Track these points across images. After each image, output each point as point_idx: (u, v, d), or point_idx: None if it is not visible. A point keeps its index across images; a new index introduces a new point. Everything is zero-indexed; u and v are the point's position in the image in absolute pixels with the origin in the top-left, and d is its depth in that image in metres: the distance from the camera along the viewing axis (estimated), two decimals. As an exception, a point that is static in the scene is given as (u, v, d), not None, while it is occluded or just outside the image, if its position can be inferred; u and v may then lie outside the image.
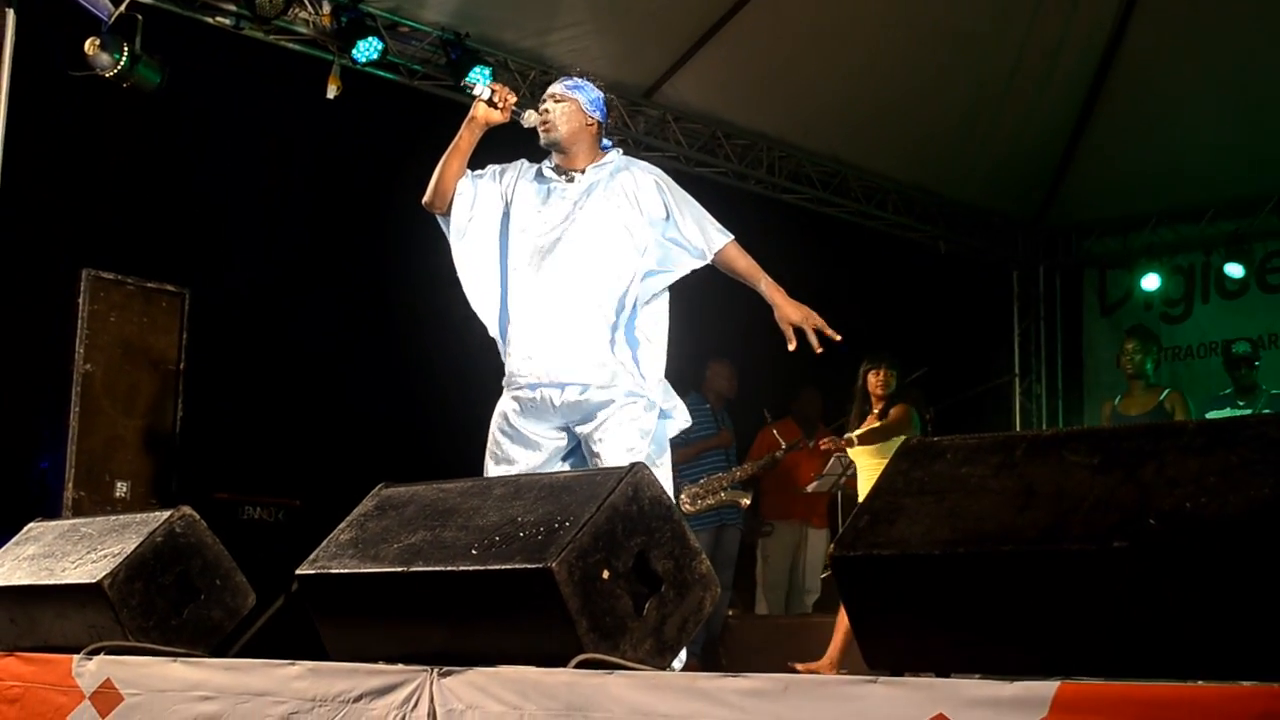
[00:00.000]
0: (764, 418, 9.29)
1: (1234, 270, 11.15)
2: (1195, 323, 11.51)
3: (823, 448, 8.04)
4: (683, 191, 5.06)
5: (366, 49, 8.21)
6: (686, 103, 9.87)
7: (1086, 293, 12.26)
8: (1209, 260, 11.39)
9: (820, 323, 4.89)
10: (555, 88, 5.06)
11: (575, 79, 5.08)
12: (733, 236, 5.04)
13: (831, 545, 2.85)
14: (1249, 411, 8.55)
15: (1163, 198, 11.20)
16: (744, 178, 10.33)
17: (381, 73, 8.57)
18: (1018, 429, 11.76)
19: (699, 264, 5.03)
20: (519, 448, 4.93)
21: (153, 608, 4.21)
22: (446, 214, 5.04)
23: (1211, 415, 9.15)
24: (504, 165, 5.15)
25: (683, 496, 8.06)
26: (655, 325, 5.02)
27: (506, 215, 5.05)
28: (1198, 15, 9.47)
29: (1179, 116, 10.11)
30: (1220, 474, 2.42)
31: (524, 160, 5.17)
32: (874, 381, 7.72)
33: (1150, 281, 11.60)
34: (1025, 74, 9.85)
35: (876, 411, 7.73)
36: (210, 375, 7.99)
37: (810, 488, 8.77)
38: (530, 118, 4.98)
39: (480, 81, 4.96)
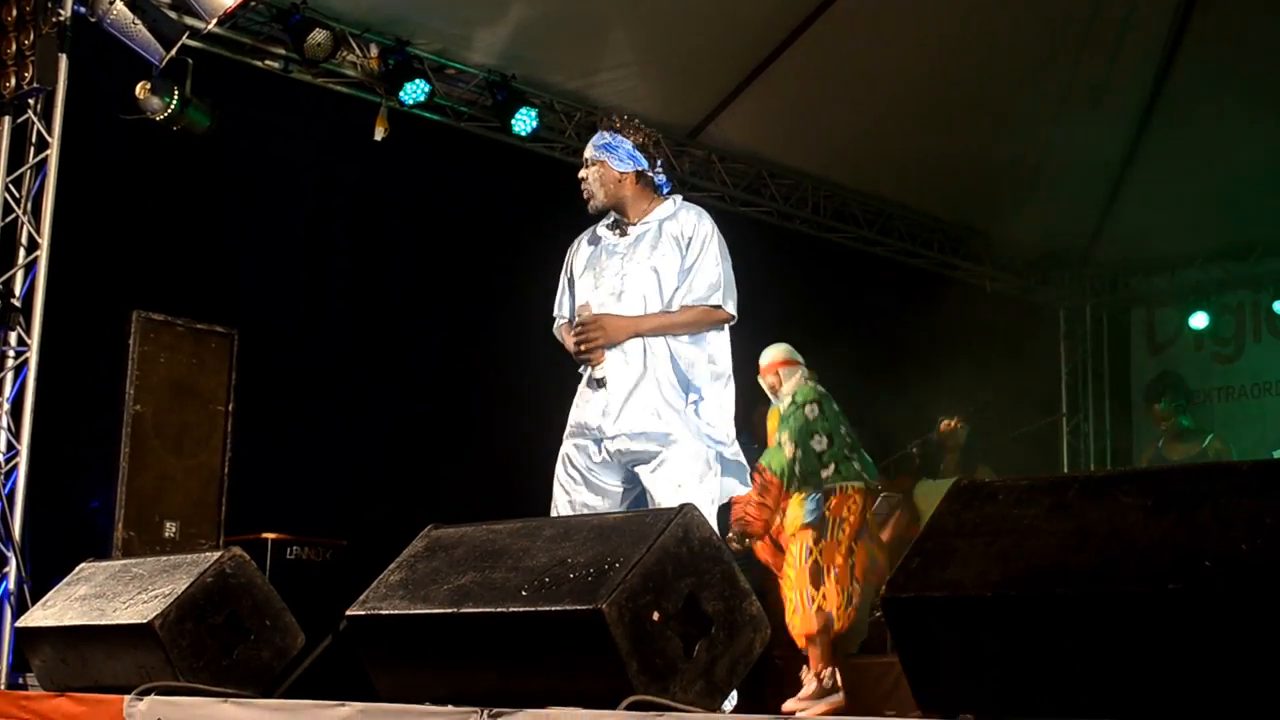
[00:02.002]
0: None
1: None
2: (1247, 362, 11.42)
3: None
4: (716, 248, 4.92)
5: (414, 91, 8.28)
6: (731, 143, 9.89)
7: (1134, 332, 12.20)
8: (1258, 299, 11.31)
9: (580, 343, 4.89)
10: (587, 150, 5.03)
11: (606, 135, 4.99)
12: (706, 306, 4.87)
13: (881, 586, 2.84)
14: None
15: (1210, 236, 11.14)
16: (789, 217, 10.32)
17: (428, 114, 8.63)
18: (1065, 469, 11.68)
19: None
20: (582, 489, 4.91)
21: (203, 648, 4.23)
22: None
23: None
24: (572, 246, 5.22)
25: (729, 535, 8.03)
26: (710, 366, 4.98)
27: (574, 290, 5.10)
28: (1245, 51, 9.41)
29: (1225, 153, 10.02)
30: (1276, 516, 2.40)
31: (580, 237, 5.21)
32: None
33: (1198, 320, 11.52)
34: (1071, 112, 9.81)
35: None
36: (258, 415, 8.02)
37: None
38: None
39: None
